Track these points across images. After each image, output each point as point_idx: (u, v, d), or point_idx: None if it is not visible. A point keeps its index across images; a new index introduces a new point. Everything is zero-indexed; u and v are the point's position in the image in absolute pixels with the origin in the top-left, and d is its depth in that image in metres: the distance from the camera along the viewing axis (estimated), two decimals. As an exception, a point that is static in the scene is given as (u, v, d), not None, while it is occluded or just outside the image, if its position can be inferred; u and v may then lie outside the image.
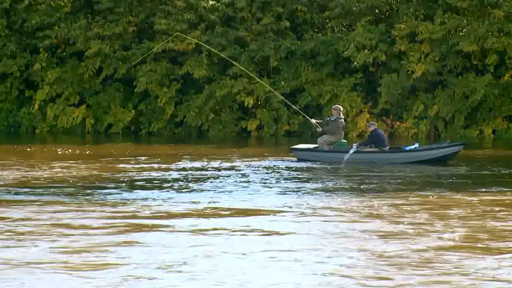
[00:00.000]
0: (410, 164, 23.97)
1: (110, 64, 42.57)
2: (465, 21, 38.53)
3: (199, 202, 16.16)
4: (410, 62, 38.47)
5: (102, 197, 16.73)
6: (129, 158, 26.35)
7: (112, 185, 18.76)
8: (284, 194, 17.46)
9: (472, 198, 16.44)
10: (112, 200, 16.21)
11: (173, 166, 23.58)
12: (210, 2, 42.43)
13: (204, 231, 12.83)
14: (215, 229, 13.05)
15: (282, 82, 40.25)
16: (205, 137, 40.01)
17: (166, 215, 14.54)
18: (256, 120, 40.66)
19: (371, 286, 9.46)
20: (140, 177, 20.61)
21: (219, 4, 42.34)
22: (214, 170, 22.51)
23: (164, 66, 41.78)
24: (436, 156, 24.38)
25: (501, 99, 37.83)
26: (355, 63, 39.13)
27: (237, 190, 18.02)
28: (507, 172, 22.22)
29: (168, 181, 19.69)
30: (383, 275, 9.92)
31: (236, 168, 23.08)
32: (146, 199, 16.51)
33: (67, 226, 13.25)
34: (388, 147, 24.85)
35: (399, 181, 19.99)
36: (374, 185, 19.02)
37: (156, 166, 23.56)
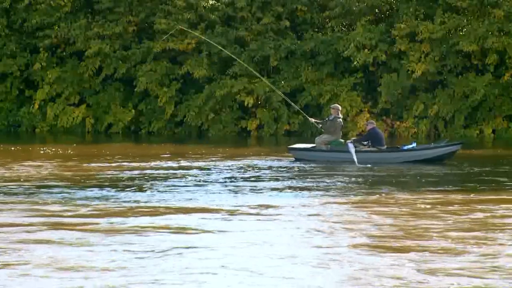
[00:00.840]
0: (407, 163, 23.90)
1: (110, 64, 42.57)
2: (465, 20, 38.48)
3: (149, 201, 15.97)
4: (410, 61, 38.42)
5: (26, 196, 16.56)
6: (102, 158, 26.08)
7: (57, 185, 18.59)
8: (256, 192, 17.34)
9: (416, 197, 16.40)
10: (48, 200, 16.04)
11: (147, 165, 23.41)
12: (210, 2, 42.43)
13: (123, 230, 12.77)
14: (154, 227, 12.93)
15: (282, 82, 40.20)
16: (205, 136, 39.98)
17: (104, 213, 14.45)
18: (256, 119, 40.62)
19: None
20: (88, 178, 20.17)
21: (219, 4, 42.33)
22: (196, 169, 22.21)
23: (164, 65, 41.76)
24: (434, 155, 24.31)
25: (501, 98, 37.77)
26: (355, 63, 39.09)
27: (200, 190, 17.67)
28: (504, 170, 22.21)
29: (125, 180, 19.62)
30: (289, 275, 9.84)
31: (224, 167, 22.81)
32: (86, 198, 16.29)
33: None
34: (385, 147, 24.80)
35: (370, 179, 20.05)
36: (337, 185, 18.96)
37: (125, 165, 23.38)
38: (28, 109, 43.92)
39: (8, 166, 23.11)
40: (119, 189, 17.90)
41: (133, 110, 42.49)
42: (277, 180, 19.82)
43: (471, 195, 16.73)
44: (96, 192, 17.33)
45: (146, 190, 17.66)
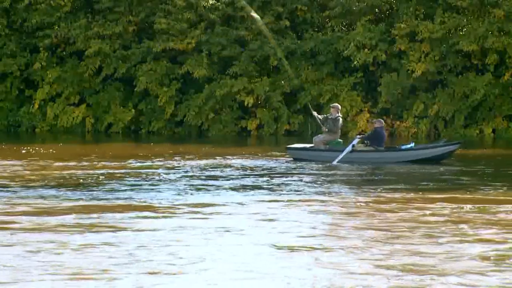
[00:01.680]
0: (405, 163, 23.85)
1: (110, 64, 42.58)
2: (465, 20, 38.45)
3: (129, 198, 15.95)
4: (410, 61, 38.41)
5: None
6: (79, 157, 25.76)
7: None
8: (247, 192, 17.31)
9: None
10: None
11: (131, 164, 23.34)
12: (210, 2, 42.43)
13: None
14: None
15: (282, 82, 40.22)
16: (205, 136, 39.97)
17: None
18: (256, 119, 40.63)
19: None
20: (52, 177, 19.78)
21: (219, 4, 42.33)
22: (189, 169, 22.10)
23: (164, 65, 41.77)
24: (432, 155, 24.24)
25: (501, 98, 37.73)
26: (355, 63, 39.08)
27: (192, 190, 17.57)
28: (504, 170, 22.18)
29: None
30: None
31: (220, 167, 22.69)
32: (44, 197, 16.03)
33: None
34: (383, 147, 24.72)
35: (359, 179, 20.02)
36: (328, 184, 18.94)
37: (109, 164, 23.23)
38: (28, 109, 43.94)
39: None
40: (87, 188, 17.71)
41: (133, 110, 42.50)
42: (270, 179, 19.72)
43: (465, 195, 16.70)
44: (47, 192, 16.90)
45: (117, 190, 17.28)
